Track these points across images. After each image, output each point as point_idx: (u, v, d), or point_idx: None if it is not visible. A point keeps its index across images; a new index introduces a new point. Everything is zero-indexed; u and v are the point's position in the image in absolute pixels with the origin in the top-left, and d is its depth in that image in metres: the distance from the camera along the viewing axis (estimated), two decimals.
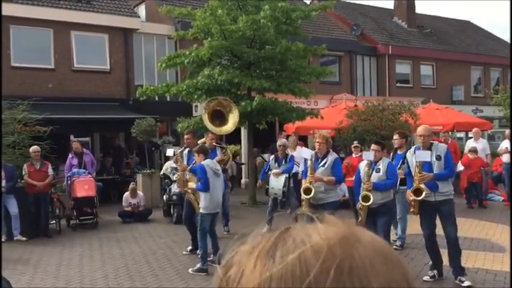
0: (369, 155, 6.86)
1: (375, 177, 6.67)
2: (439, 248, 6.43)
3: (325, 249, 0.55)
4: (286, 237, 0.58)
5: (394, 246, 7.79)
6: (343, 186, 11.97)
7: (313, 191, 6.80)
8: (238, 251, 0.61)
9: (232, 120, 10.16)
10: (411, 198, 6.18)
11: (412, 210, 6.33)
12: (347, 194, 11.27)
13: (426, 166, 6.17)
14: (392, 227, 7.81)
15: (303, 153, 7.03)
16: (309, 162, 7.01)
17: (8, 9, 15.24)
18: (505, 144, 13.43)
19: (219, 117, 10.17)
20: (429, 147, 6.25)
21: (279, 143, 10.27)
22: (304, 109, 14.10)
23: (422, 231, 6.44)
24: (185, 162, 8.13)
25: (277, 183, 9.30)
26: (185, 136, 8.44)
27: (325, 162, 6.97)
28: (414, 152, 6.37)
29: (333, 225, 0.60)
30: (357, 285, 0.54)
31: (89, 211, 10.93)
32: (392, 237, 8.11)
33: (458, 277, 6.24)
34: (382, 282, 0.55)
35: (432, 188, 6.13)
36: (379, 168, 6.74)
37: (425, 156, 6.13)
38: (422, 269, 6.98)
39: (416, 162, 6.13)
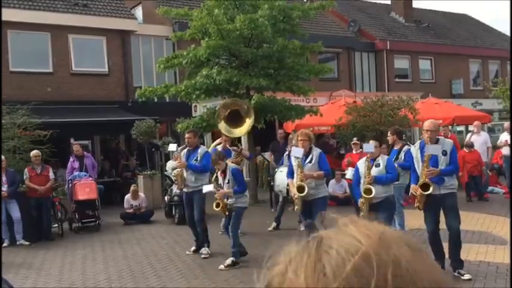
0: (369, 147, 6.90)
1: (375, 171, 6.70)
2: (441, 242, 6.45)
3: (374, 256, 0.55)
4: (327, 249, 0.57)
5: None
6: (344, 183, 12.01)
7: (306, 188, 6.81)
8: (275, 273, 0.59)
9: (248, 124, 10.26)
10: (418, 192, 6.17)
11: (417, 205, 6.32)
12: (348, 191, 11.31)
13: (432, 160, 6.18)
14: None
15: (294, 152, 7.00)
16: (295, 161, 7.01)
17: (6, 14, 15.26)
18: (504, 136, 13.44)
19: (236, 118, 10.22)
20: (436, 142, 6.24)
21: (289, 138, 10.30)
22: (303, 107, 14.10)
23: (426, 226, 6.44)
24: (184, 161, 8.12)
25: (282, 180, 9.36)
26: (186, 135, 8.40)
27: (311, 158, 6.98)
28: (420, 147, 6.37)
29: (360, 229, 0.59)
30: (410, 285, 0.54)
31: (91, 214, 10.95)
32: None
33: (457, 270, 6.26)
34: (429, 278, 0.56)
35: (438, 182, 6.17)
36: (379, 163, 6.78)
37: (437, 150, 6.16)
38: None
39: (425, 156, 6.13)
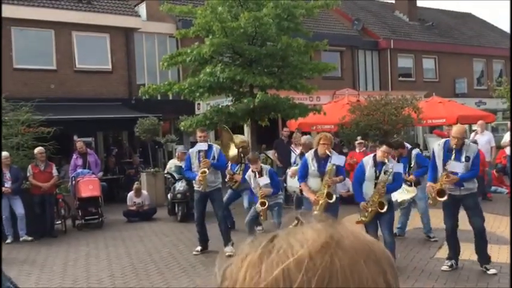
0: (338, 159, 6.91)
1: (383, 179, 6.52)
2: (458, 240, 6.54)
3: (307, 260, 0.56)
4: (271, 248, 0.59)
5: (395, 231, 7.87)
6: (347, 182, 11.98)
7: (334, 195, 6.81)
8: (232, 262, 0.62)
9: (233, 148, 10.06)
10: (433, 195, 6.29)
11: (431, 202, 6.53)
12: (351, 190, 11.28)
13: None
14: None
15: (335, 160, 6.91)
16: (313, 165, 6.98)
17: (9, 11, 15.28)
18: (508, 136, 13.40)
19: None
20: (461, 147, 6.32)
21: (302, 141, 10.21)
22: (307, 105, 14.07)
23: (445, 223, 6.53)
24: (197, 161, 7.97)
25: (294, 180, 9.31)
26: (201, 134, 8.19)
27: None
28: (443, 146, 6.40)
29: (315, 230, 0.60)
30: None
31: (94, 211, 10.96)
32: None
33: (484, 265, 6.40)
34: (360, 285, 0.57)
35: (457, 184, 6.29)
36: (388, 171, 6.53)
37: (459, 167, 6.24)
38: (428, 262, 6.99)
39: (446, 170, 6.21)
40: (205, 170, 7.75)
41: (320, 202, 6.77)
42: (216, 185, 8.04)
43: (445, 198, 6.21)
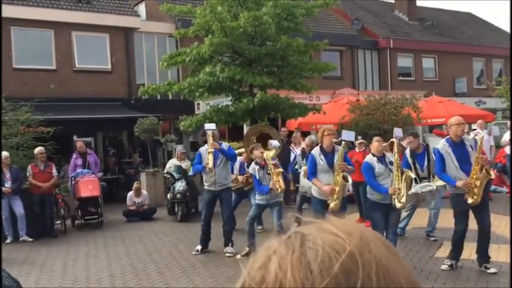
0: (348, 134, 7.09)
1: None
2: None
3: (358, 255, 0.55)
4: (311, 245, 0.57)
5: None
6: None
7: (349, 177, 6.91)
8: (257, 267, 0.58)
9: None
10: (479, 182, 6.07)
11: (473, 198, 6.16)
12: (351, 189, 11.27)
13: (465, 156, 6.22)
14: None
15: (345, 136, 6.93)
16: (339, 152, 6.96)
17: (9, 11, 15.28)
18: (507, 135, 13.40)
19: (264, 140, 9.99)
20: (462, 139, 6.33)
21: (306, 141, 10.19)
22: (307, 105, 14.08)
23: (458, 225, 6.43)
24: (206, 158, 7.94)
25: (308, 181, 9.33)
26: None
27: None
28: (450, 144, 6.31)
29: (341, 226, 0.59)
30: (391, 285, 0.55)
31: (94, 211, 10.96)
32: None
33: (484, 264, 6.38)
34: (404, 277, 0.58)
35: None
36: (392, 161, 6.59)
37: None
38: (427, 262, 7.00)
39: (479, 142, 6.22)
40: (212, 150, 7.78)
41: (337, 189, 6.75)
42: (227, 183, 8.12)
43: (493, 175, 6.13)
